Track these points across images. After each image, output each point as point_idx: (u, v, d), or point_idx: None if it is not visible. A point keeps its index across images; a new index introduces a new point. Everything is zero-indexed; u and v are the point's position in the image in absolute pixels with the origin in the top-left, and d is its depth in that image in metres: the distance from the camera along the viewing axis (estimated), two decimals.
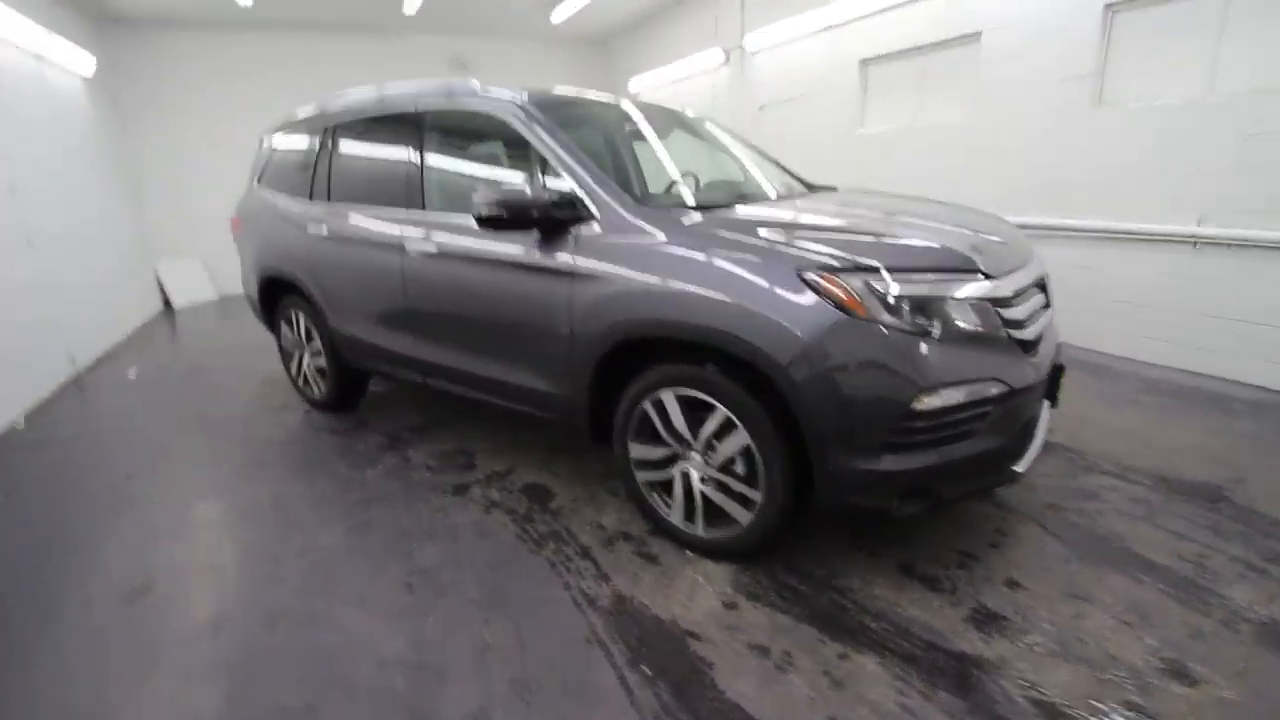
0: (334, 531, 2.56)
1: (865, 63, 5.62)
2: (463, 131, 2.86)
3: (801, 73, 6.29)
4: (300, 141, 3.66)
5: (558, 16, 7.72)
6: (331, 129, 3.39)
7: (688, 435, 2.15)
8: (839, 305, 1.77)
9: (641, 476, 2.34)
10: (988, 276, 1.91)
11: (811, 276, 1.81)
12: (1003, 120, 4.55)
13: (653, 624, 1.95)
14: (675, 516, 2.28)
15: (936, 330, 1.80)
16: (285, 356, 4.02)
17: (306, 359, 3.85)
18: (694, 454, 2.18)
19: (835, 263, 1.82)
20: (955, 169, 4.91)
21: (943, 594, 2.04)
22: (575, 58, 9.58)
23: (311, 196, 3.47)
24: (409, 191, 2.89)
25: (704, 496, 2.18)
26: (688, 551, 2.29)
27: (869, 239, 2.00)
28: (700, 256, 2.00)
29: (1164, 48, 3.65)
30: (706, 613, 2.00)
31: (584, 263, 2.23)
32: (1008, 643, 1.82)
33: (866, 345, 1.76)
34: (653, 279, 2.06)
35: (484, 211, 2.26)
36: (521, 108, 2.53)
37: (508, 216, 2.25)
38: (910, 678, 1.71)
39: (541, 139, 2.43)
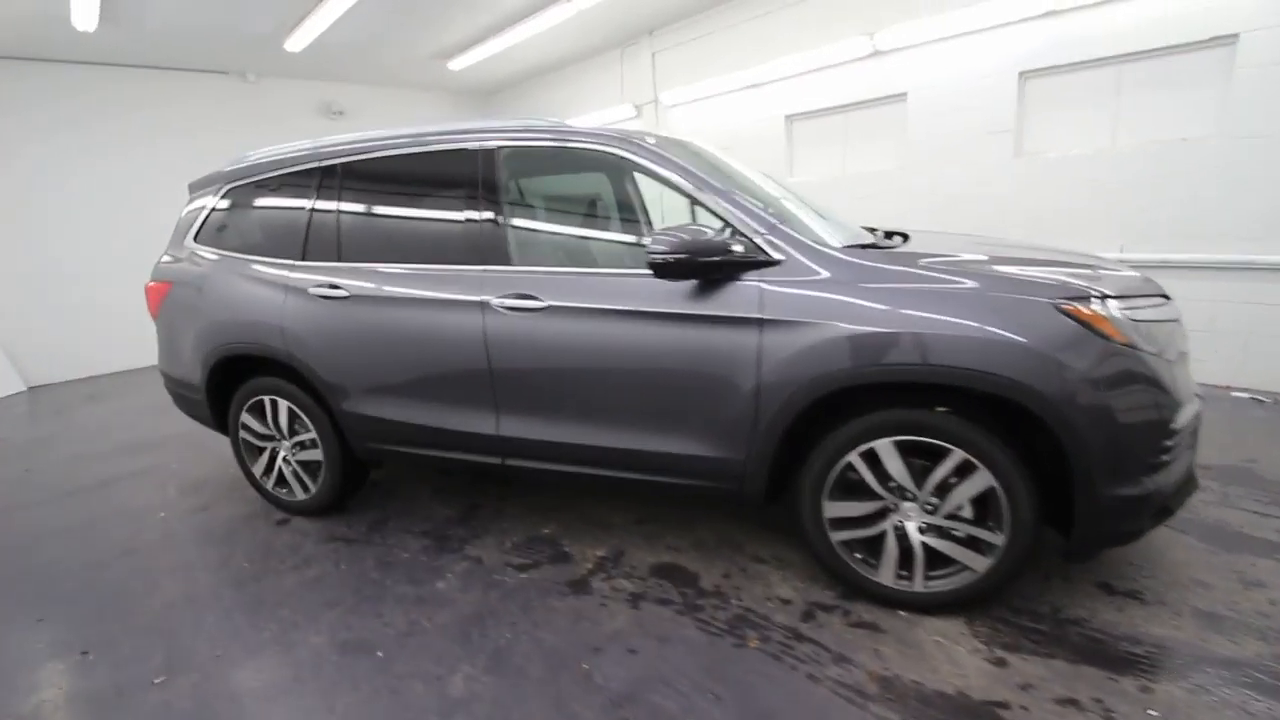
0: (466, 672, 1.97)
1: (790, 118, 6.07)
2: (559, 172, 2.51)
3: (724, 125, 6.59)
4: (274, 193, 2.97)
5: (458, 64, 7.33)
6: (335, 177, 2.77)
7: (909, 485, 2.01)
8: (1100, 333, 1.79)
9: (838, 537, 2.14)
10: (1167, 300, 2.07)
11: (1069, 306, 1.81)
12: (932, 169, 5.15)
13: (945, 702, 1.75)
14: (884, 575, 2.11)
15: (1165, 352, 1.90)
16: (248, 454, 3.14)
17: (284, 454, 3.04)
18: (910, 504, 2.05)
19: (1090, 292, 1.84)
20: (888, 214, 5.43)
21: (1157, 606, 2.10)
22: (459, 108, 9.14)
23: (305, 256, 2.80)
24: (487, 243, 2.44)
25: (925, 548, 2.05)
26: (900, 612, 2.13)
27: (1085, 270, 2.06)
28: (933, 294, 1.91)
29: (1075, 106, 4.41)
30: (984, 675, 1.84)
31: (777, 309, 2.03)
32: (1258, 639, 1.91)
33: (1131, 370, 1.79)
34: (875, 321, 1.92)
35: (663, 257, 1.98)
36: (642, 145, 2.28)
37: (692, 262, 1.99)
38: (1225, 689, 1.71)
39: (691, 176, 2.20)
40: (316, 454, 2.94)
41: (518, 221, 2.45)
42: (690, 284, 2.13)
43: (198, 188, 3.22)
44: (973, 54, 4.71)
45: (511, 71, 8.16)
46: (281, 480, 3.10)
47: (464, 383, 2.51)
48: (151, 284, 3.24)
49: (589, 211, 2.53)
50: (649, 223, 3.25)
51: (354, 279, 2.65)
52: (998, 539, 1.95)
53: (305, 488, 3.04)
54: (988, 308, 1.85)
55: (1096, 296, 1.84)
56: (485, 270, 2.42)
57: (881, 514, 2.08)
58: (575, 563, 2.56)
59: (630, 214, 2.53)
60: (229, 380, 3.08)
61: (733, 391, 2.10)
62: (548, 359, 2.33)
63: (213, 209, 3.11)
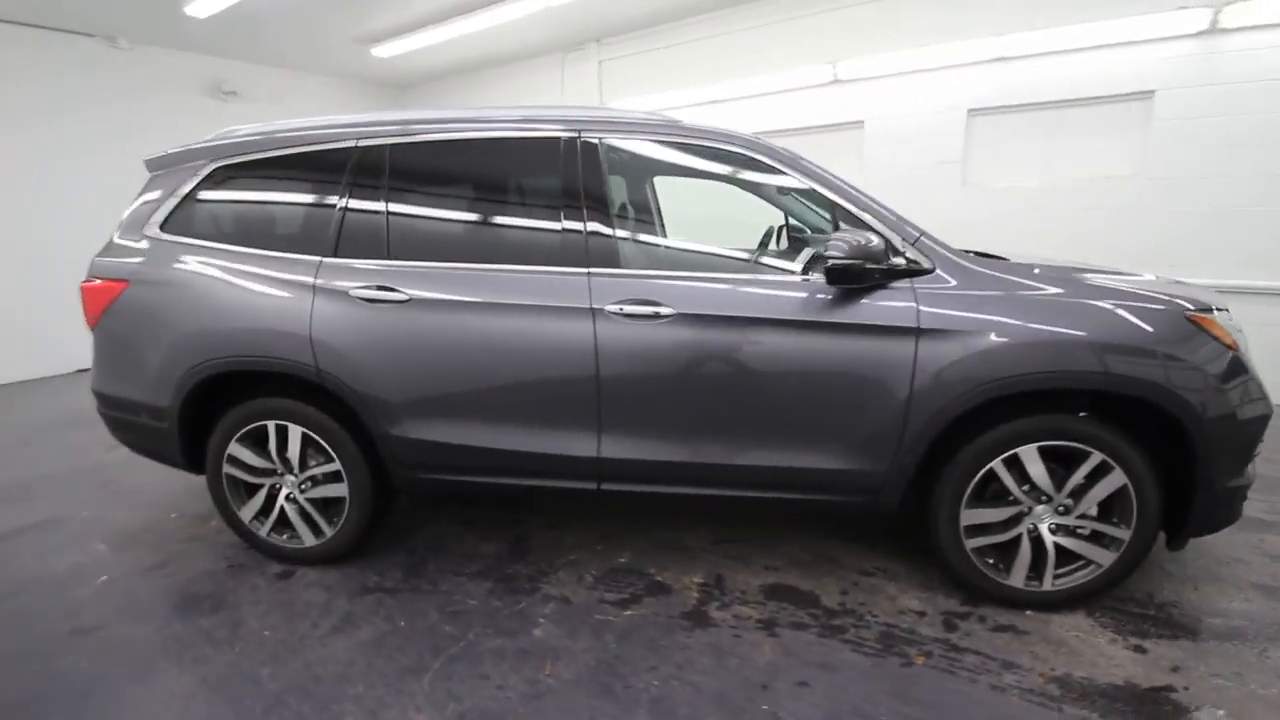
0: None
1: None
2: (669, 171, 2.31)
3: None
4: (287, 175, 2.46)
5: (385, 50, 6.66)
6: (380, 160, 2.34)
7: (1049, 488, 2.08)
8: (1219, 340, 1.98)
9: (974, 543, 2.16)
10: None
11: (1196, 316, 1.98)
12: (886, 193, 5.50)
13: (1121, 693, 1.81)
14: (1015, 578, 2.16)
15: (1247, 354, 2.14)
16: (233, 494, 2.53)
17: (290, 491, 2.50)
18: (1042, 507, 2.11)
19: (1211, 304, 2.02)
20: None
21: (1220, 583, 2.34)
22: (370, 100, 8.31)
23: (338, 251, 2.33)
24: (590, 244, 2.18)
25: (1057, 548, 2.12)
26: (1027, 612, 2.19)
27: (1170, 285, 2.26)
28: (1075, 306, 2.00)
29: (1017, 143, 4.95)
30: (1135, 663, 1.94)
31: (934, 318, 2.01)
32: None
33: (1240, 372, 1.99)
34: (1031, 330, 1.97)
35: (843, 262, 1.89)
36: (773, 146, 2.19)
37: (861, 268, 1.92)
38: None
39: (826, 180, 2.14)
40: (338, 489, 2.45)
41: (627, 222, 2.23)
42: (831, 292, 2.06)
43: (163, 165, 2.58)
44: (926, 90, 5.14)
45: (442, 64, 7.60)
46: (283, 523, 2.55)
47: (562, 399, 2.22)
48: (94, 283, 2.53)
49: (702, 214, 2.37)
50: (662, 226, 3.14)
51: (416, 281, 2.25)
52: (1123, 534, 2.08)
53: (317, 530, 2.51)
54: (1131, 318, 1.98)
55: (1215, 308, 2.04)
56: (593, 274, 2.17)
57: (1016, 519, 2.14)
58: (676, 593, 2.35)
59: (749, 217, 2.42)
60: (209, 403, 2.49)
61: (882, 402, 2.05)
62: (671, 372, 2.13)
63: (191, 192, 2.50)
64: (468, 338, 2.23)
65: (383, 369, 2.28)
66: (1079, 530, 2.12)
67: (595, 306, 2.14)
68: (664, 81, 6.48)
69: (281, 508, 2.52)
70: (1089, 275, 2.14)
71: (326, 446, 2.41)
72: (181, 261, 2.45)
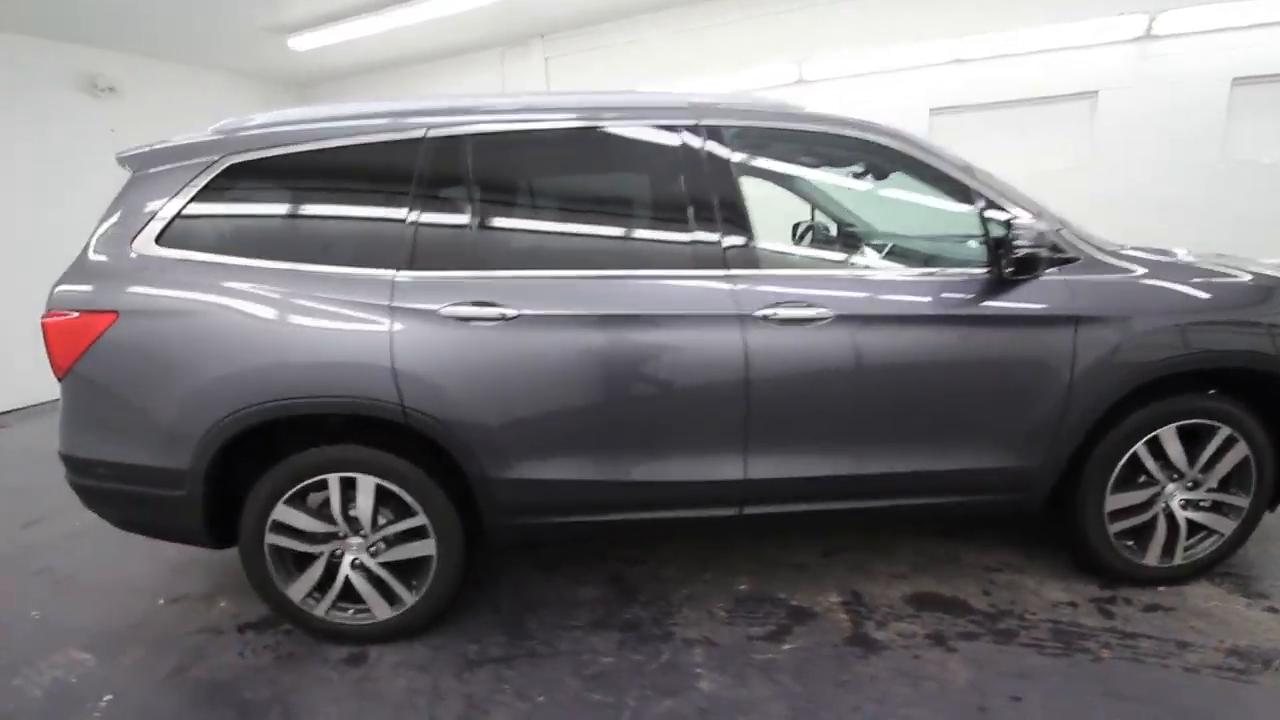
0: None
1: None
2: (790, 159, 2.11)
3: None
4: (332, 172, 2.01)
5: (302, 43, 5.88)
6: (459, 153, 1.96)
7: (1184, 466, 2.13)
8: None
9: (1116, 528, 2.17)
10: None
11: None
12: None
13: None
14: (1150, 556, 2.19)
15: None
16: (279, 568, 2.03)
17: (356, 557, 2.04)
18: (1173, 485, 2.16)
19: None
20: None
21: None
22: (273, 100, 7.35)
23: (414, 263, 1.93)
24: (725, 243, 1.96)
25: (1188, 523, 2.18)
26: (1160, 588, 2.23)
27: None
28: (1217, 285, 2.07)
29: (975, 140, 5.21)
30: None
31: (1090, 304, 1.98)
32: None
33: None
34: (1179, 313, 2.00)
35: (1028, 250, 1.82)
36: (902, 132, 2.08)
37: (1037, 257, 1.85)
38: None
39: (970, 170, 2.05)
40: (422, 547, 2.04)
41: (761, 217, 2.02)
42: (986, 283, 1.99)
43: (152, 163, 2.02)
44: (890, 89, 5.33)
45: (364, 59, 6.88)
46: (349, 596, 2.08)
47: (703, 418, 1.98)
48: (62, 318, 1.93)
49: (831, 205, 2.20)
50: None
51: (521, 294, 1.91)
52: (1242, 501, 2.17)
53: (394, 600, 2.08)
54: (1264, 298, 2.07)
55: None
56: (734, 276, 1.95)
57: (1153, 499, 2.17)
58: (823, 616, 2.18)
59: (860, 207, 2.28)
60: (241, 460, 1.98)
61: (1044, 394, 2.00)
62: (830, 379, 1.96)
63: (198, 196, 1.98)
64: (589, 357, 1.92)
65: (485, 401, 1.92)
66: (1202, 503, 2.20)
67: (743, 313, 1.92)
68: (620, 81, 6.28)
69: (346, 578, 2.06)
70: (1210, 259, 2.22)
71: (407, 499, 2.00)
72: (196, 284, 1.92)
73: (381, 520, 2.03)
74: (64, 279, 1.97)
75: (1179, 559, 2.21)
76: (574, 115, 2.02)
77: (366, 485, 1.99)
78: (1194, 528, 2.20)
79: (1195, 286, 2.05)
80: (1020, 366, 2.00)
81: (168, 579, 2.58)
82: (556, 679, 1.94)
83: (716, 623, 2.17)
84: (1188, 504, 2.18)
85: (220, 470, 1.96)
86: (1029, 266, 1.88)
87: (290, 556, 2.07)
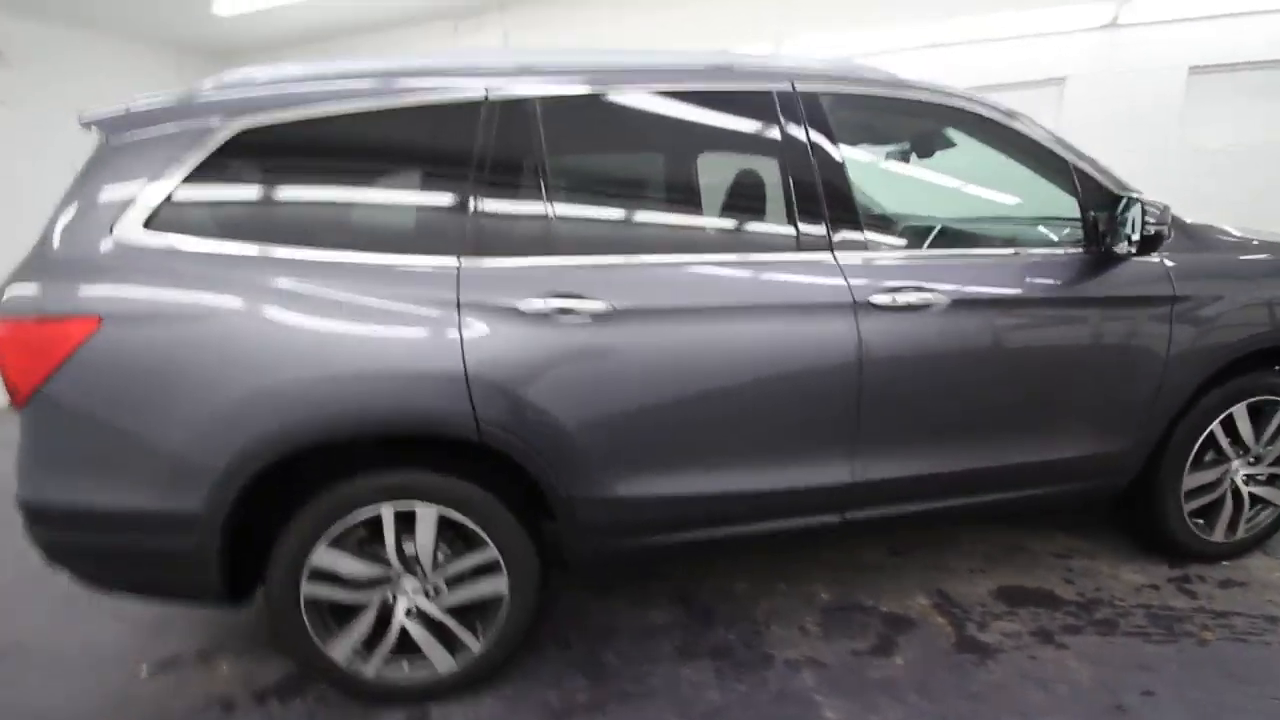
0: None
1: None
2: (886, 131, 1.94)
3: None
4: (360, 143, 1.65)
5: (228, 7, 5.13)
6: (526, 119, 1.64)
7: (1251, 442, 2.15)
8: None
9: (1190, 507, 2.17)
10: None
11: None
12: None
13: None
14: (1218, 533, 2.22)
15: None
16: (318, 624, 1.67)
17: (409, 604, 1.72)
18: (1238, 461, 2.19)
19: None
20: None
21: None
22: (186, 72, 6.44)
23: (480, 249, 1.61)
24: (829, 219, 1.76)
25: (1250, 496, 2.22)
26: (1223, 563, 2.27)
27: None
28: None
29: None
30: None
31: (1184, 284, 1.95)
32: None
33: None
34: (1265, 290, 2.01)
35: (1156, 228, 1.74)
36: (1010, 110, 1.96)
37: (1161, 236, 1.78)
38: None
39: (1071, 146, 1.96)
40: (492, 585, 1.74)
41: (866, 192, 1.84)
42: (1090, 263, 1.91)
43: (132, 127, 1.58)
44: None
45: (296, 28, 6.12)
46: (405, 648, 1.75)
47: (811, 419, 1.79)
48: (23, 325, 1.48)
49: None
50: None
51: (616, 284, 1.64)
52: None
53: (456, 648, 1.77)
54: None
55: None
56: (841, 258, 1.76)
57: (1222, 477, 2.19)
58: (920, 623, 2.05)
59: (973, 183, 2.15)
60: (262, 497, 1.61)
61: (1141, 375, 1.96)
62: (947, 368, 1.82)
63: (199, 170, 1.56)
64: (693, 354, 1.68)
65: (573, 409, 1.64)
66: (1259, 477, 2.24)
67: (857, 300, 1.74)
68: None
69: (401, 627, 1.74)
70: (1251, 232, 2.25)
71: (476, 529, 1.69)
72: (207, 280, 1.52)
73: (441, 557, 1.73)
74: (18, 276, 1.51)
75: (1241, 533, 2.25)
76: (656, 77, 1.76)
77: (427, 517, 1.67)
78: (1254, 501, 2.25)
79: (1272, 263, 2.07)
80: (1123, 348, 1.94)
81: (146, 640, 2.11)
82: None
83: (812, 639, 2.01)
84: (1249, 479, 2.22)
85: (242, 512, 1.59)
86: (1153, 244, 1.81)
87: (329, 609, 1.72)
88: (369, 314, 1.55)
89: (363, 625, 1.71)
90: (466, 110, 1.66)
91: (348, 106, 1.63)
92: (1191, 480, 2.15)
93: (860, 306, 1.74)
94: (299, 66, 1.72)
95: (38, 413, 1.52)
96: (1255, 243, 2.15)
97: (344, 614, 1.72)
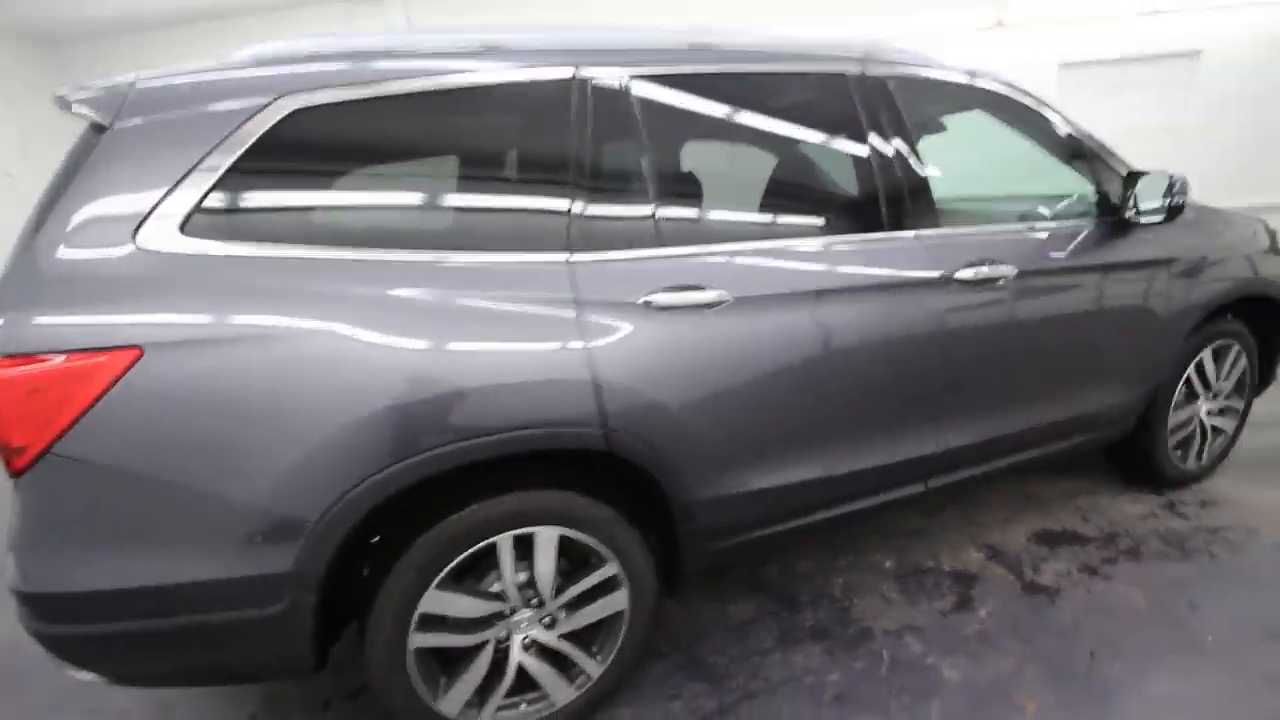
0: None
1: None
2: (933, 112, 1.98)
3: None
4: (434, 126, 1.44)
5: None
6: (621, 99, 1.51)
7: (1214, 381, 2.51)
8: None
9: (1172, 441, 2.48)
10: None
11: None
12: None
13: None
14: (1190, 462, 2.57)
15: None
16: (427, 678, 1.46)
17: (526, 636, 1.54)
18: (1203, 398, 2.53)
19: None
20: None
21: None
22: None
23: (589, 244, 1.47)
24: (904, 201, 1.80)
25: (1212, 429, 2.58)
26: (1192, 486, 2.62)
27: None
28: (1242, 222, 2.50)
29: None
30: None
31: (1178, 246, 2.22)
32: None
33: None
34: (1230, 250, 2.35)
35: (1183, 199, 1.95)
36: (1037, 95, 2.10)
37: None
38: None
39: (1084, 130, 2.13)
40: (611, 604, 1.61)
41: (930, 172, 1.88)
42: (1112, 231, 2.11)
43: (145, 110, 1.25)
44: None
45: (147, 10, 5.24)
46: (522, 687, 1.57)
47: (912, 392, 1.84)
48: (32, 367, 1.13)
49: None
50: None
51: (733, 272, 1.57)
52: (1239, 404, 2.63)
53: (575, 675, 1.62)
54: (1254, 232, 2.48)
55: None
56: (922, 236, 1.81)
57: (1193, 414, 2.52)
58: (985, 576, 2.17)
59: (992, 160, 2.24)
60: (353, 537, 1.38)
61: (1150, 331, 2.21)
62: (1015, 336, 1.95)
63: (242, 159, 1.27)
64: (804, 339, 1.65)
65: (700, 406, 1.55)
66: (1212, 410, 2.61)
67: (944, 275, 1.80)
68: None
69: (519, 664, 1.56)
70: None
71: (597, 546, 1.55)
72: (275, 291, 1.26)
73: (567, 584, 1.57)
74: (26, 311, 1.16)
75: (1205, 460, 2.62)
76: (741, 55, 1.70)
77: (547, 541, 1.51)
78: (1214, 431, 2.62)
79: (1232, 227, 2.41)
80: (1139, 307, 2.18)
81: (151, 714, 1.74)
82: (799, 714, 1.68)
83: (897, 606, 2.07)
84: (1210, 412, 2.59)
85: (340, 564, 1.34)
86: (1178, 213, 2.03)
87: (433, 658, 1.51)
88: (482, 321, 1.37)
89: (477, 670, 1.52)
90: (553, 90, 1.50)
91: (405, 86, 1.40)
92: (1174, 418, 2.46)
93: (947, 282, 1.80)
94: (356, 38, 1.47)
95: (48, 477, 1.19)
96: (1210, 211, 2.48)
97: (451, 659, 1.52)
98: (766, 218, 1.81)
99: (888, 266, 1.75)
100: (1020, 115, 2.12)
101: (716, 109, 1.68)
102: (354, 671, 1.76)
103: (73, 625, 1.26)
